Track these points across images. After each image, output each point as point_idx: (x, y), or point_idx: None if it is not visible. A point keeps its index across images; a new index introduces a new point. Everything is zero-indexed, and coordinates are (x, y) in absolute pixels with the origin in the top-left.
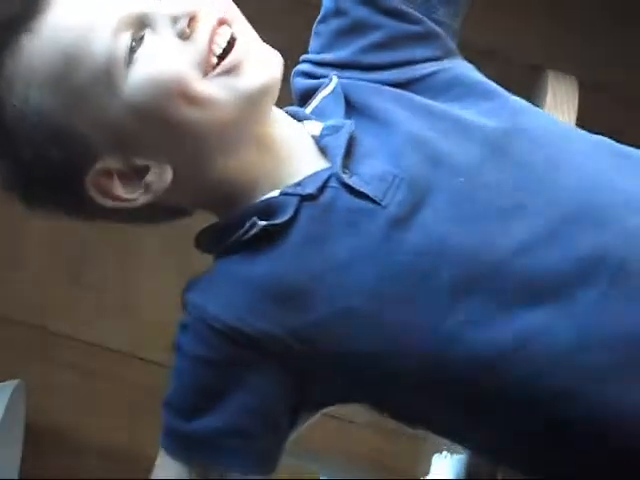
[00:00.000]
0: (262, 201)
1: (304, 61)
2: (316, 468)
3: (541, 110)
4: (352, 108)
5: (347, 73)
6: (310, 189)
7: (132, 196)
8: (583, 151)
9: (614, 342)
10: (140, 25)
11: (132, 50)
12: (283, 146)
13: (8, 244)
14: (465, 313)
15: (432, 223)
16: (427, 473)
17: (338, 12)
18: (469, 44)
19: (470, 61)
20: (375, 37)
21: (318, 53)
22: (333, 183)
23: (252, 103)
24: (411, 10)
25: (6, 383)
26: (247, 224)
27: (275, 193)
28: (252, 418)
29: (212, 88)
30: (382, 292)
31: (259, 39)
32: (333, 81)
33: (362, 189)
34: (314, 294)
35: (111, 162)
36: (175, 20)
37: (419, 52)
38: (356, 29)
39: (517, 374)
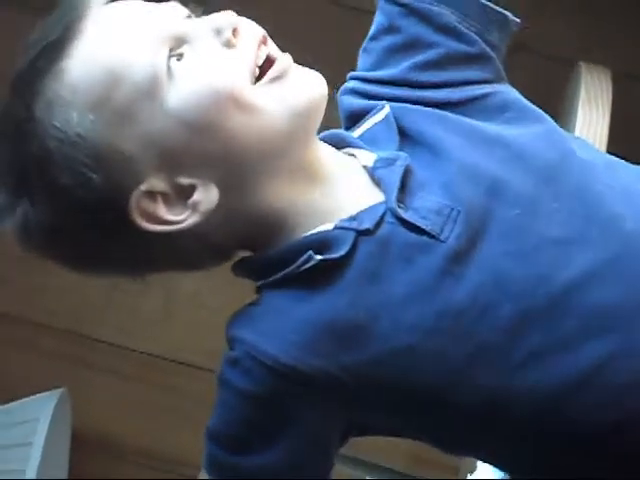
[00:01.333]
0: (316, 234)
1: (352, 78)
2: (358, 470)
3: (578, 110)
4: (403, 134)
5: (397, 91)
6: (367, 224)
7: (179, 218)
8: (629, 178)
9: None
10: (179, 42)
11: (172, 64)
12: (333, 177)
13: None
14: (527, 347)
15: (490, 257)
16: (473, 470)
17: (391, 29)
18: None
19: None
20: (429, 55)
21: (368, 71)
22: (389, 218)
23: (300, 116)
24: (467, 30)
25: (51, 392)
26: (302, 257)
27: (329, 226)
28: (305, 454)
29: (262, 96)
30: (441, 329)
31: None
32: (385, 109)
33: (419, 224)
34: (371, 331)
35: (156, 183)
36: (219, 31)
37: (472, 73)
38: (410, 46)
39: (580, 409)
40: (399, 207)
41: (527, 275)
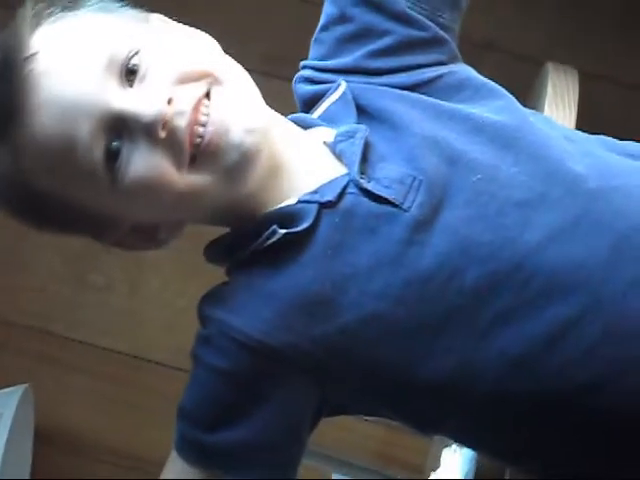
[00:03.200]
0: (279, 209)
1: (305, 67)
2: (327, 466)
3: (545, 109)
4: (362, 112)
5: (353, 78)
6: (329, 196)
7: (152, 245)
8: (589, 144)
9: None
10: (115, 130)
11: (110, 157)
12: (295, 160)
13: (13, 249)
14: (493, 311)
15: (454, 223)
16: (437, 467)
17: (343, 18)
18: (468, 36)
19: (469, 53)
20: (382, 43)
21: (320, 61)
22: (351, 189)
23: (238, 173)
24: (419, 16)
25: (15, 388)
26: (266, 232)
27: (292, 201)
28: (278, 431)
29: (195, 178)
30: (408, 297)
31: (241, 90)
32: (342, 86)
33: (382, 193)
34: (339, 302)
35: (124, 231)
36: (147, 130)
37: (426, 57)
38: (362, 35)
39: (547, 371)
40: (361, 178)
41: (491, 239)
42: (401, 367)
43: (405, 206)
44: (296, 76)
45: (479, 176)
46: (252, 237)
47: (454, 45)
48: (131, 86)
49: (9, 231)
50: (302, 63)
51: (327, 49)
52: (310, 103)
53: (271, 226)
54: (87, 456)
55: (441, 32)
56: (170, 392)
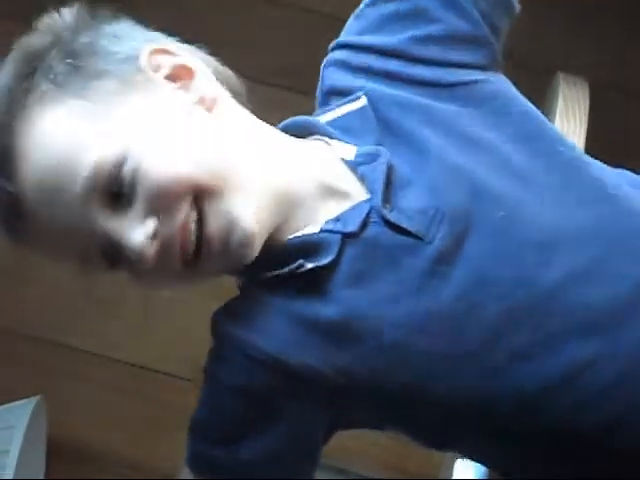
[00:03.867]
0: (303, 239)
1: (340, 46)
2: (338, 478)
3: (556, 120)
4: (386, 126)
5: (388, 64)
6: (352, 227)
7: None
8: (611, 179)
9: None
10: (110, 251)
11: (112, 263)
12: (313, 188)
13: (23, 261)
14: (511, 347)
15: (476, 257)
16: (449, 478)
17: None
18: None
19: None
20: (431, 30)
21: (358, 35)
22: (374, 218)
23: (238, 266)
24: (474, 10)
25: (27, 400)
26: (293, 265)
27: (315, 229)
28: (290, 448)
29: (193, 276)
30: (428, 328)
31: (231, 199)
32: (362, 99)
33: (405, 225)
34: (360, 331)
35: None
36: (138, 262)
37: (469, 56)
38: (413, 17)
39: (562, 408)
40: (384, 207)
41: (510, 275)
42: (415, 395)
43: (428, 239)
44: (327, 59)
45: (502, 213)
46: (276, 264)
47: (497, 50)
48: (118, 201)
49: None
50: (335, 42)
51: (369, 24)
52: (333, 93)
53: (296, 258)
54: (100, 468)
55: (489, 33)
56: (181, 403)
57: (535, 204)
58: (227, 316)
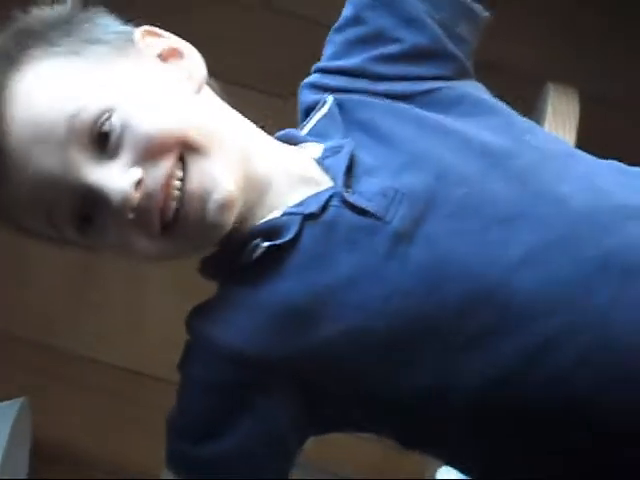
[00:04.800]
0: (264, 223)
1: (315, 71)
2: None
3: (545, 129)
4: (354, 125)
5: (355, 83)
6: (312, 208)
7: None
8: (587, 167)
9: (623, 350)
10: (88, 199)
11: (83, 224)
12: (281, 177)
13: (14, 262)
14: (473, 328)
15: (435, 237)
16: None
17: (357, 20)
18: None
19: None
20: (391, 49)
21: (329, 60)
22: (335, 202)
23: (211, 240)
24: (433, 25)
25: (12, 402)
26: (250, 246)
27: (277, 214)
28: (263, 443)
29: (167, 245)
30: (388, 309)
31: (217, 157)
32: (328, 101)
33: (363, 205)
34: (320, 313)
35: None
36: (116, 211)
37: (430, 69)
38: (373, 38)
39: (531, 388)
40: (346, 191)
41: (472, 254)
42: (380, 380)
43: (387, 219)
44: (303, 82)
45: (465, 190)
46: (239, 251)
47: (464, 60)
48: (103, 151)
49: (9, 246)
50: (313, 67)
51: (337, 49)
52: (309, 111)
53: (255, 240)
54: (85, 471)
55: (451, 46)
56: (164, 405)
57: (499, 183)
58: (197, 313)
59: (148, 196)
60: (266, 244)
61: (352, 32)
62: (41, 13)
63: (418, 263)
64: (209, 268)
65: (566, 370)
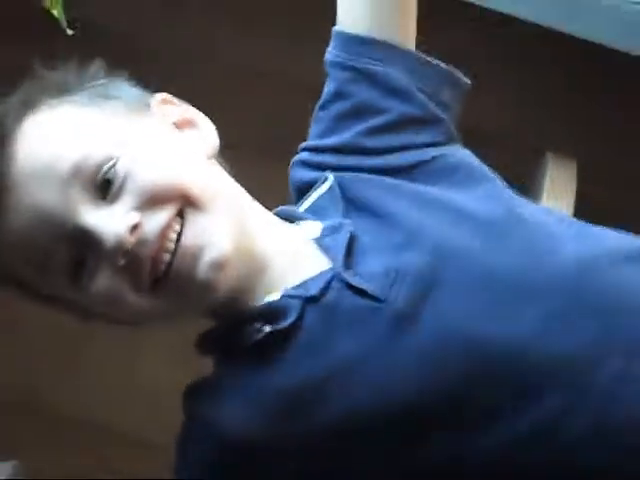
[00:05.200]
0: (264, 305)
1: (303, 149)
2: None
3: (543, 198)
4: (350, 203)
5: (347, 160)
6: (313, 291)
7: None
8: (577, 238)
9: (629, 426)
10: (82, 243)
11: (75, 268)
12: (278, 255)
13: (3, 322)
14: (480, 404)
15: (440, 316)
16: None
17: (341, 95)
18: (467, 126)
19: (468, 143)
20: (378, 121)
21: (318, 139)
22: (336, 284)
23: (199, 303)
24: (418, 93)
25: (3, 464)
26: (251, 329)
27: (276, 296)
28: None
29: (155, 303)
30: (391, 389)
31: (215, 217)
32: (329, 179)
33: (364, 287)
34: (321, 397)
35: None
36: (108, 256)
37: (421, 137)
38: (359, 112)
39: (534, 464)
40: (345, 272)
41: (478, 333)
42: (385, 461)
43: (389, 299)
44: (293, 160)
45: (465, 265)
46: (239, 332)
47: (451, 125)
48: (104, 198)
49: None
50: (300, 146)
51: (325, 127)
52: (304, 190)
53: (256, 323)
54: None
55: (438, 111)
56: (151, 471)
57: (497, 255)
58: (195, 392)
59: (142, 242)
60: (267, 329)
61: (337, 108)
62: (64, 69)
63: (422, 342)
64: (206, 343)
65: (571, 446)
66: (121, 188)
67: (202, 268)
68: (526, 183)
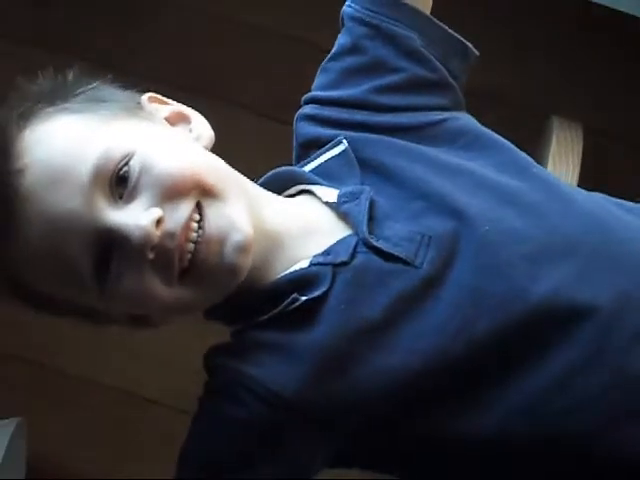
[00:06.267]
0: (293, 274)
1: (308, 101)
2: None
3: (549, 161)
4: (363, 165)
5: (355, 115)
6: (342, 256)
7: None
8: (588, 200)
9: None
10: (104, 245)
11: (100, 271)
12: (294, 226)
13: None
14: (503, 361)
15: (464, 277)
16: None
17: (355, 49)
18: (473, 89)
19: (474, 106)
20: (391, 79)
21: (324, 90)
22: (361, 248)
23: (228, 287)
24: (431, 56)
25: (7, 421)
26: (287, 300)
27: (304, 264)
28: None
29: (184, 293)
30: (421, 348)
31: (232, 203)
32: (342, 144)
33: (393, 251)
34: (352, 356)
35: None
36: (136, 251)
37: (431, 99)
38: (373, 68)
39: (552, 414)
40: (370, 237)
41: (501, 289)
42: (411, 420)
43: (417, 263)
44: (297, 114)
45: (487, 227)
46: (268, 304)
47: (460, 93)
48: (121, 197)
49: None
50: (304, 97)
51: (333, 78)
52: (308, 146)
53: (290, 293)
54: None
55: (449, 77)
56: (165, 431)
57: (515, 219)
58: (225, 352)
59: (168, 235)
60: (304, 298)
61: (350, 61)
62: (46, 80)
63: (449, 302)
64: (221, 312)
65: (587, 400)
66: (137, 184)
67: (228, 253)
68: (530, 146)
